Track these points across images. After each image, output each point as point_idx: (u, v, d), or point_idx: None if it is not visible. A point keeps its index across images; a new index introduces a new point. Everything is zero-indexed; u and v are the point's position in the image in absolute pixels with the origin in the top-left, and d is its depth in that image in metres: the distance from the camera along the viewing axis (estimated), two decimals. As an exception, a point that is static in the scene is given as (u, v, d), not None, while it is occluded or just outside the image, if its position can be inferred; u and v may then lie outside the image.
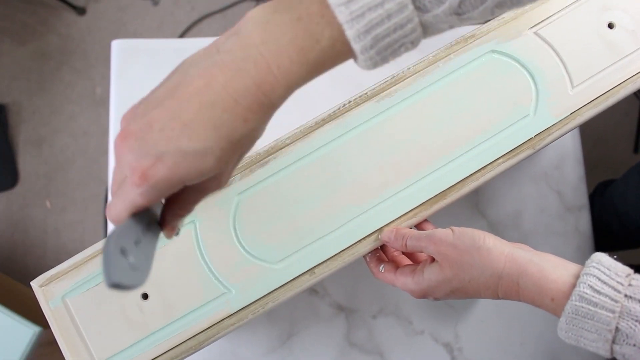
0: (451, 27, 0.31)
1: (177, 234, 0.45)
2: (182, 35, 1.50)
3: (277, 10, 0.29)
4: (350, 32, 0.28)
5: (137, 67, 0.74)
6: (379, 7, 0.28)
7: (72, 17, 1.53)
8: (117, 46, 0.75)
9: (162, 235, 0.35)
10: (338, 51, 0.29)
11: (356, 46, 0.29)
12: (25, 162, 1.44)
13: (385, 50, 0.30)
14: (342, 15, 0.28)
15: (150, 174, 0.28)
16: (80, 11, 1.52)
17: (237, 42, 0.29)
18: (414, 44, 0.31)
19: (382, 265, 0.48)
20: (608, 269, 0.37)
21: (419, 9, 0.29)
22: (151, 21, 1.52)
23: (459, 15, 0.30)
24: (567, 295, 0.37)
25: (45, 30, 1.52)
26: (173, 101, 0.29)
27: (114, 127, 0.72)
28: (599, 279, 0.37)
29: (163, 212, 0.34)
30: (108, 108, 0.73)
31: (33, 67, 1.49)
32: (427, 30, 0.30)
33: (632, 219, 0.77)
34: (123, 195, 0.30)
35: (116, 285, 0.28)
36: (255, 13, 0.30)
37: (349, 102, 0.51)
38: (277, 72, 0.29)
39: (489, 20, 0.43)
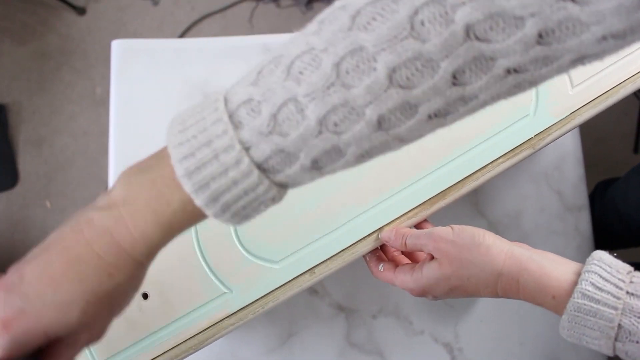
0: (317, 178, 0.30)
1: None
2: (182, 35, 1.50)
3: (141, 170, 0.30)
4: (198, 202, 0.28)
5: (137, 67, 0.74)
6: (222, 176, 0.27)
7: (72, 17, 1.53)
8: (117, 46, 0.74)
9: None
10: (191, 213, 0.29)
11: (208, 213, 0.29)
12: (25, 162, 1.44)
13: (243, 211, 0.29)
14: (186, 186, 0.28)
15: (12, 325, 0.29)
16: (80, 11, 1.52)
17: (106, 200, 0.30)
18: (275, 200, 0.30)
19: (382, 265, 0.48)
20: (609, 266, 0.37)
21: (268, 171, 0.28)
22: (151, 21, 1.52)
23: (319, 169, 0.29)
24: (569, 292, 0.37)
25: (45, 30, 1.52)
26: (45, 256, 0.30)
27: (114, 127, 0.72)
28: (601, 276, 0.37)
29: None
30: (108, 108, 0.73)
31: (33, 67, 1.49)
32: (286, 186, 0.29)
33: (633, 220, 0.77)
34: None
35: None
36: (125, 172, 0.31)
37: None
38: (134, 232, 0.29)
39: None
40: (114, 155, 0.71)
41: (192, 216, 0.30)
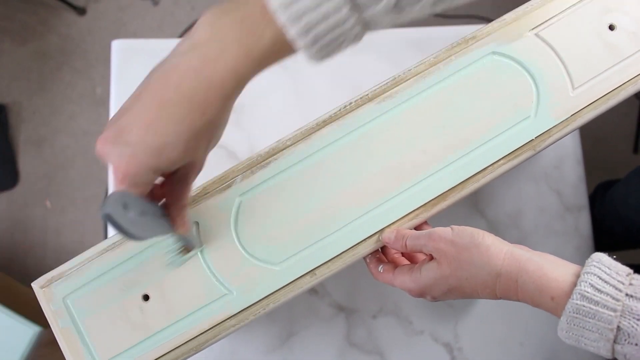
0: (394, 21, 0.32)
1: (189, 249, 0.47)
2: (182, 35, 1.50)
3: (224, 12, 0.32)
4: (291, 33, 0.30)
5: (137, 67, 0.74)
6: (316, 9, 0.29)
7: (72, 17, 1.52)
8: (117, 46, 0.75)
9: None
10: (280, 48, 0.31)
11: (299, 44, 0.31)
12: (25, 162, 1.44)
13: (328, 46, 0.31)
14: (282, 18, 0.30)
15: (129, 170, 0.33)
16: (80, 11, 1.52)
17: (188, 43, 0.32)
18: (356, 39, 0.32)
19: (381, 266, 0.48)
20: (609, 268, 0.37)
21: (357, 7, 0.30)
22: (151, 21, 1.52)
23: (399, 11, 0.31)
24: (568, 294, 0.37)
25: (45, 30, 1.52)
26: (138, 105, 0.33)
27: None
28: (600, 278, 0.37)
29: (168, 212, 0.39)
30: (108, 108, 0.73)
31: (33, 67, 1.49)
32: (368, 26, 0.31)
33: (633, 222, 0.77)
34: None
35: (108, 217, 0.33)
36: (206, 16, 0.32)
37: (350, 103, 0.51)
38: (223, 69, 0.31)
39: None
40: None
41: (281, 50, 0.32)
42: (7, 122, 1.45)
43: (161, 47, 0.75)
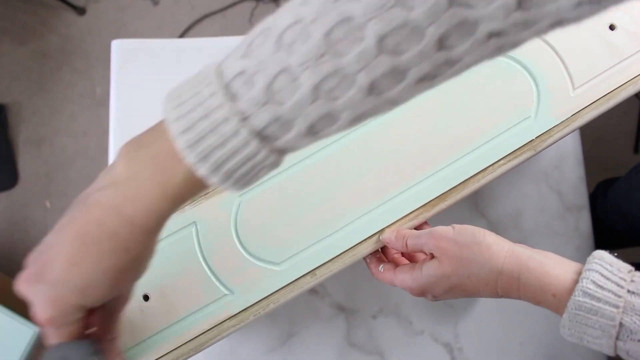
0: (311, 143, 0.31)
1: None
2: (182, 35, 1.50)
3: (140, 146, 0.31)
4: (201, 172, 0.29)
5: (137, 67, 0.73)
6: (222, 146, 0.28)
7: (72, 17, 1.52)
8: (117, 46, 0.74)
9: None
10: (195, 183, 0.30)
11: (211, 181, 0.30)
12: (25, 162, 1.44)
13: (243, 178, 0.30)
14: (189, 158, 0.29)
15: (54, 312, 0.32)
16: (80, 11, 1.52)
17: (109, 178, 0.32)
18: (274, 165, 0.31)
19: (382, 266, 0.48)
20: (610, 265, 0.37)
21: (266, 139, 0.29)
22: (151, 21, 1.52)
23: (314, 135, 0.29)
24: (570, 291, 0.37)
25: (45, 30, 1.52)
26: (61, 241, 0.32)
27: (114, 127, 0.72)
28: (602, 275, 0.37)
29: (98, 344, 0.37)
30: (108, 108, 0.73)
31: (33, 67, 1.49)
32: (284, 151, 0.30)
33: (636, 218, 0.76)
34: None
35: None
36: (124, 148, 0.32)
37: (350, 103, 0.50)
38: (142, 208, 0.31)
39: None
40: (114, 155, 0.71)
41: (196, 185, 0.31)
42: (7, 122, 1.45)
43: (161, 47, 0.75)
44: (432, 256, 0.44)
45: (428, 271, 0.43)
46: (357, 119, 0.30)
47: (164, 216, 0.32)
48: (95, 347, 0.37)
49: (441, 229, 0.43)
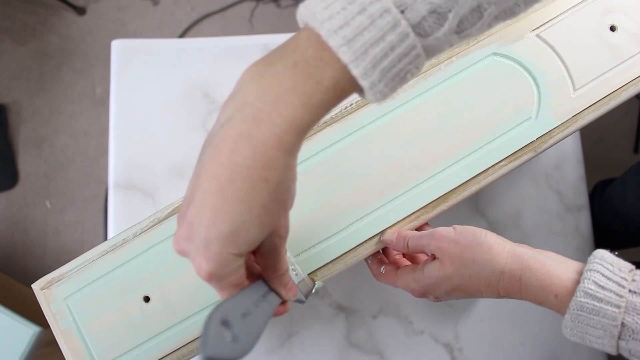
0: (451, 45, 0.31)
1: (306, 296, 0.45)
2: (182, 35, 1.50)
3: (269, 63, 0.30)
4: (356, 71, 0.28)
5: (137, 67, 0.73)
6: (380, 41, 0.28)
7: (72, 17, 1.52)
8: (117, 46, 0.74)
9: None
10: (342, 89, 0.29)
11: (364, 83, 0.29)
12: (25, 162, 1.44)
13: (393, 80, 0.29)
14: (345, 55, 0.28)
15: (211, 267, 0.30)
16: (80, 11, 1.52)
17: (233, 107, 0.30)
18: (418, 68, 0.30)
19: (383, 267, 0.48)
20: (611, 265, 0.37)
21: (420, 35, 0.29)
22: (151, 21, 1.52)
23: (459, 33, 0.30)
24: (571, 291, 0.37)
25: (45, 30, 1.51)
26: (199, 193, 0.30)
27: (114, 127, 0.72)
28: (603, 275, 0.37)
29: (269, 284, 0.36)
30: (108, 108, 0.73)
31: (33, 67, 1.49)
32: (429, 52, 0.30)
33: (631, 219, 0.77)
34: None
35: (210, 358, 0.30)
36: (248, 72, 0.30)
37: (351, 104, 0.51)
38: (280, 121, 0.29)
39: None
40: (114, 155, 0.71)
41: (341, 93, 0.29)
42: (7, 122, 1.45)
43: (161, 47, 0.75)
44: (434, 257, 0.44)
45: (430, 272, 0.43)
46: (498, 17, 0.30)
47: (302, 132, 0.30)
48: (265, 289, 0.36)
49: (442, 230, 0.43)
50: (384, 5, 0.27)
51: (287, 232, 0.34)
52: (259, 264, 0.36)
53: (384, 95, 0.30)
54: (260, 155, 0.29)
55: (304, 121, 0.29)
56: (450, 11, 0.28)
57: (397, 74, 0.29)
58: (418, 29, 0.28)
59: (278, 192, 0.30)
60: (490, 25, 0.31)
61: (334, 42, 0.28)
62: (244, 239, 0.30)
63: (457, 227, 0.43)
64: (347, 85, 0.29)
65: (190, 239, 0.31)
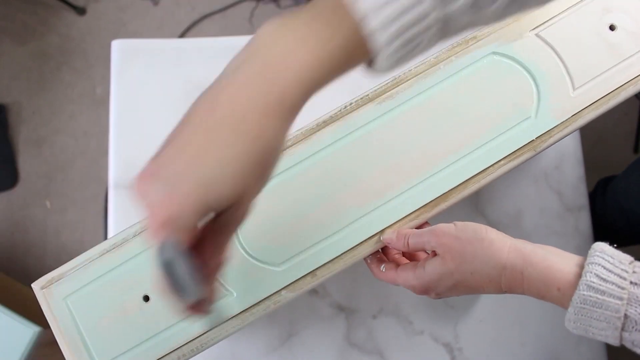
0: (467, 25, 0.31)
1: (213, 324, 0.45)
2: (182, 35, 1.50)
3: (287, 18, 0.29)
4: (371, 25, 0.28)
5: (137, 67, 0.74)
6: (397, 1, 0.28)
7: (72, 17, 1.52)
8: (117, 46, 0.74)
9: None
10: (352, 49, 0.29)
11: (378, 39, 0.28)
12: (25, 162, 1.44)
13: (405, 46, 0.29)
14: (362, 6, 0.28)
15: (171, 211, 0.28)
16: (80, 11, 1.52)
17: (244, 54, 0.29)
18: (434, 38, 0.30)
19: (383, 265, 0.48)
20: (612, 257, 0.37)
21: (439, 2, 0.29)
22: (151, 21, 1.52)
23: (477, 10, 0.29)
24: (574, 284, 0.38)
25: (45, 30, 1.51)
26: (182, 134, 0.28)
27: (114, 127, 0.72)
28: (605, 267, 0.37)
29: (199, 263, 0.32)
30: (108, 108, 0.73)
31: (33, 67, 1.49)
32: (446, 25, 0.30)
33: (636, 214, 0.76)
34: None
35: (168, 265, 0.28)
36: (265, 25, 0.29)
37: (350, 104, 0.51)
38: (284, 76, 0.28)
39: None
40: (114, 155, 0.71)
41: (351, 55, 0.29)
42: (7, 122, 1.45)
43: (161, 47, 0.75)
44: (435, 254, 0.44)
45: (431, 269, 0.43)
46: (513, 1, 0.30)
47: (307, 89, 0.29)
48: (196, 265, 0.30)
49: (443, 226, 0.43)
50: None
51: (247, 214, 0.31)
52: (202, 244, 0.32)
53: (390, 63, 0.30)
54: (259, 106, 0.28)
55: (310, 78, 0.28)
56: None
57: (411, 40, 0.29)
58: None
59: (264, 153, 0.28)
60: (505, 10, 0.31)
61: None
62: (215, 190, 0.28)
63: (458, 223, 0.43)
64: (358, 45, 0.29)
65: (156, 175, 0.28)
